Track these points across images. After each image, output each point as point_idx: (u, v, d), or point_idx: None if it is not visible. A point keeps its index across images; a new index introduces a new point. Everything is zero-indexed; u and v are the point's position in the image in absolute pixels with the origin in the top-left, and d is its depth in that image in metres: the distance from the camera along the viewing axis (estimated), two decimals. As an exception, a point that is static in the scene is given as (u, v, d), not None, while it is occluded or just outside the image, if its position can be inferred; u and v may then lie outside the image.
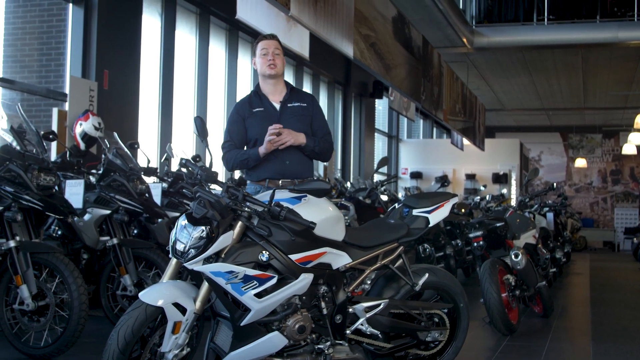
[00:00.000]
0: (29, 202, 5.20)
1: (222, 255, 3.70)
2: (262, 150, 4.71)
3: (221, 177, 9.96)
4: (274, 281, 3.73)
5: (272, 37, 4.98)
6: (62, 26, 8.69)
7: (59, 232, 6.34)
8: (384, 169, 18.81)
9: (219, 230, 3.69)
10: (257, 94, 4.99)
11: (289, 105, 4.92)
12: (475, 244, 7.20)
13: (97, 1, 8.61)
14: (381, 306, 4.27)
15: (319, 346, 4.05)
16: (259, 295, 3.69)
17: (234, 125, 4.93)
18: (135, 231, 6.91)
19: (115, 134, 7.11)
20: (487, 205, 11.90)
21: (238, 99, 12.53)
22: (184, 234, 3.71)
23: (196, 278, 3.81)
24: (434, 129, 24.77)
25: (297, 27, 8.57)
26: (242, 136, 4.89)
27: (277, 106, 4.91)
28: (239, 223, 3.78)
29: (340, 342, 4.15)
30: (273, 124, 4.71)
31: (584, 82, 21.23)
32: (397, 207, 4.89)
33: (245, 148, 4.90)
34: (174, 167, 7.81)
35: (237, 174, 8.83)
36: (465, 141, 19.77)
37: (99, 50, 8.65)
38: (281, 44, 4.99)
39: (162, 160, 8.26)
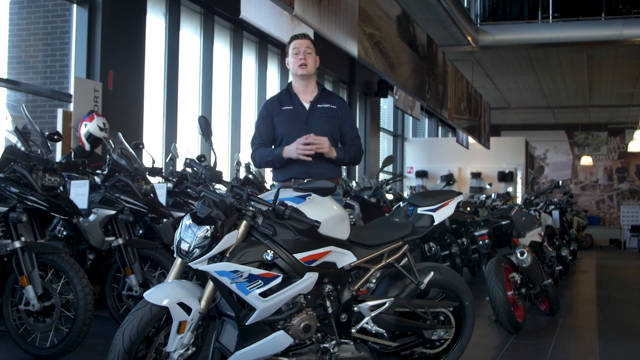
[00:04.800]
0: (34, 202, 5.21)
1: (227, 255, 3.70)
2: (285, 153, 4.76)
3: (226, 177, 9.97)
4: (278, 280, 3.73)
5: (304, 36, 5.00)
6: (67, 27, 8.70)
7: (64, 233, 6.34)
8: (389, 168, 18.82)
9: (223, 230, 3.68)
10: (288, 92, 5.02)
11: (318, 105, 4.95)
12: (481, 242, 7.20)
13: (101, 2, 8.62)
14: (386, 305, 4.26)
15: (324, 345, 4.05)
16: (264, 294, 3.69)
17: (262, 122, 4.97)
18: (141, 231, 6.92)
19: (120, 135, 7.12)
20: (492, 204, 11.88)
21: (242, 99, 12.59)
22: (188, 234, 3.71)
23: (201, 278, 3.80)
24: (439, 128, 24.75)
25: (301, 26, 8.57)
26: (270, 133, 4.93)
27: (307, 106, 4.93)
28: (244, 222, 3.77)
29: (346, 340, 4.14)
30: (300, 127, 4.78)
31: (589, 80, 21.20)
32: (401, 205, 4.89)
33: (273, 146, 4.96)
34: (179, 167, 7.82)
35: (242, 174, 8.83)
36: (471, 140, 19.75)
37: (104, 51, 8.66)
38: (314, 43, 5.00)
39: (167, 160, 8.27)
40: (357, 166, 16.68)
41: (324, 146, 4.77)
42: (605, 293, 10.37)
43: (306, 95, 4.98)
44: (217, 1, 10.97)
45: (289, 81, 5.11)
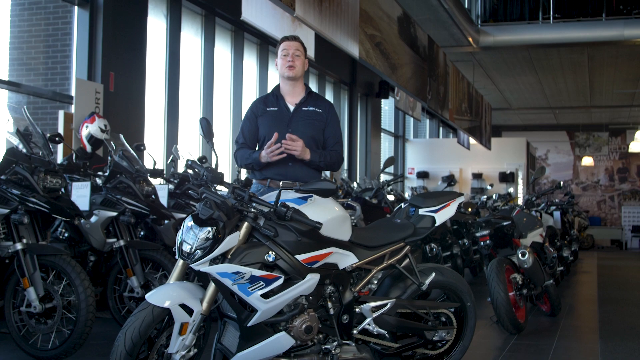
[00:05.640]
0: (36, 204, 5.21)
1: (229, 256, 3.70)
2: (262, 158, 4.74)
3: (227, 178, 9.97)
4: (280, 282, 3.73)
5: (294, 38, 4.98)
6: (68, 29, 8.71)
7: (66, 235, 6.34)
8: (391, 169, 18.82)
9: (225, 231, 3.68)
10: (274, 94, 5.00)
11: (303, 108, 4.92)
12: (482, 243, 7.18)
13: (102, 3, 8.63)
14: (388, 306, 4.26)
15: (326, 346, 4.05)
16: (265, 295, 3.69)
17: (246, 122, 4.98)
18: (142, 233, 6.92)
19: (122, 136, 7.12)
20: (493, 205, 11.84)
21: (244, 100, 12.57)
22: (190, 235, 3.72)
23: (203, 279, 3.81)
24: (440, 129, 24.75)
25: (302, 28, 8.57)
26: (253, 134, 4.92)
27: (292, 108, 4.91)
28: (245, 224, 3.78)
29: (347, 342, 4.14)
30: (282, 129, 4.76)
31: (590, 80, 21.19)
32: (403, 206, 4.89)
33: (257, 146, 4.94)
34: (180, 168, 7.81)
35: (244, 175, 8.83)
36: (472, 140, 19.75)
37: (105, 53, 8.66)
38: (304, 45, 4.98)
39: (169, 161, 8.26)
40: (358, 167, 16.68)
41: (297, 148, 4.71)
42: (607, 293, 10.36)
43: (292, 97, 4.96)
44: (218, 2, 10.98)
45: (278, 83, 5.10)
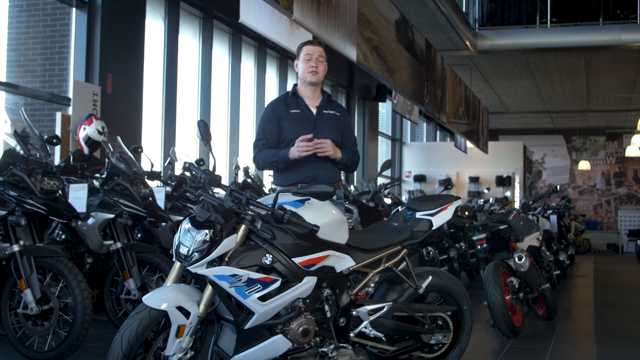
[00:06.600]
0: (33, 206, 5.21)
1: (226, 259, 3.70)
2: (292, 154, 4.75)
3: (225, 181, 9.97)
4: (277, 284, 3.74)
5: (318, 43, 5.01)
6: (66, 30, 8.71)
7: (63, 236, 6.34)
8: (388, 172, 18.80)
9: (222, 234, 3.69)
10: (294, 95, 5.01)
11: (324, 111, 4.97)
12: (479, 247, 7.19)
13: (100, 5, 8.63)
14: (385, 309, 4.26)
15: (322, 349, 4.05)
16: (262, 298, 3.70)
17: (268, 124, 4.95)
18: (139, 235, 6.92)
19: (119, 138, 7.12)
20: (490, 208, 11.86)
21: (242, 103, 12.54)
22: (187, 238, 3.72)
23: (200, 281, 3.81)
24: (438, 132, 24.75)
25: (300, 31, 8.58)
26: (275, 135, 4.91)
27: (314, 111, 4.94)
28: (243, 226, 3.78)
29: (344, 345, 4.15)
30: (308, 131, 4.79)
31: (587, 85, 21.22)
32: (400, 210, 4.90)
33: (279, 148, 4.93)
34: (178, 170, 7.82)
35: (241, 178, 8.82)
36: (469, 144, 19.76)
37: (103, 55, 8.66)
38: (326, 51, 5.01)
39: (166, 164, 8.26)
40: (355, 170, 16.67)
41: (328, 148, 4.79)
42: (603, 297, 10.37)
43: (312, 100, 5.00)
44: (216, 5, 10.98)
45: (294, 83, 5.12)
